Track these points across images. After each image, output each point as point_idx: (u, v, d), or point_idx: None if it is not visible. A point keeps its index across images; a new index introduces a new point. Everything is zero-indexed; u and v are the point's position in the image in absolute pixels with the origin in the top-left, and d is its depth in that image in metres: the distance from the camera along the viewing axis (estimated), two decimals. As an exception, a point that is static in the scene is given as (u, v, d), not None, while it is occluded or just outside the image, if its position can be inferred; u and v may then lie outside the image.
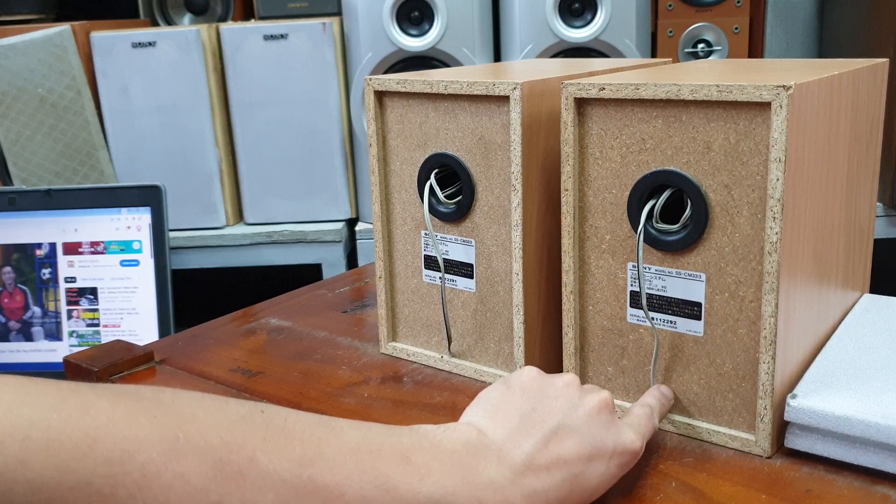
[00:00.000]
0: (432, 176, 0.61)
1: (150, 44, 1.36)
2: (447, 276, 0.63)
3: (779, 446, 0.51)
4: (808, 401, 0.49)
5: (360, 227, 1.45)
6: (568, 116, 0.53)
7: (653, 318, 0.53)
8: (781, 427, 0.51)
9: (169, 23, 1.60)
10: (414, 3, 1.34)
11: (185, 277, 1.40)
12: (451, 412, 0.58)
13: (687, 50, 1.48)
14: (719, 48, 1.47)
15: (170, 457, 0.35)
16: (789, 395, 0.50)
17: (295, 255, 1.43)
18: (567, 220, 0.55)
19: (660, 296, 0.53)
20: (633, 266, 0.54)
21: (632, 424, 0.48)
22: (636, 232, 0.52)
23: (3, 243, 1.28)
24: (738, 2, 1.45)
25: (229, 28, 1.38)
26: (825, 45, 1.54)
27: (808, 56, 1.56)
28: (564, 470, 0.43)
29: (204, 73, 1.37)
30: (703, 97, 0.48)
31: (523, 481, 0.42)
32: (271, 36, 1.37)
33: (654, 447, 0.53)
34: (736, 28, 1.46)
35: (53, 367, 1.27)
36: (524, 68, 0.67)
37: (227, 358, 0.68)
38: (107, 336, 1.25)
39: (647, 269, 0.53)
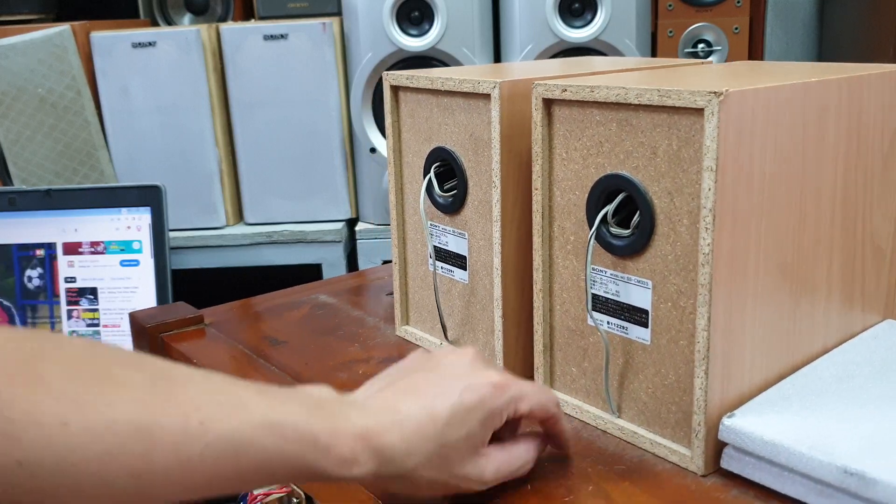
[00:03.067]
0: (432, 169, 0.63)
1: (150, 44, 1.36)
2: (446, 266, 0.65)
3: (716, 466, 0.49)
4: (743, 422, 0.47)
5: (360, 227, 1.45)
6: (537, 116, 0.54)
7: (608, 323, 0.53)
8: (719, 446, 0.49)
9: (169, 23, 1.60)
10: (414, 3, 1.34)
11: (185, 277, 1.40)
12: None
13: (687, 50, 1.48)
14: (719, 48, 1.47)
15: None
16: (727, 414, 0.48)
17: (295, 255, 1.43)
18: (537, 219, 0.56)
19: (614, 300, 0.53)
20: (592, 268, 0.54)
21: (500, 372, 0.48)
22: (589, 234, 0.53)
23: (3, 243, 1.28)
24: (739, 2, 1.45)
25: (229, 28, 1.38)
26: (825, 45, 1.54)
27: (808, 56, 1.56)
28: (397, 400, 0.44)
29: (204, 73, 1.37)
30: (646, 101, 0.48)
31: (357, 412, 0.42)
32: (271, 36, 1.37)
33: (594, 450, 0.53)
34: (736, 28, 1.46)
35: (53, 366, 1.27)
36: (523, 68, 0.68)
37: (265, 327, 0.75)
38: (107, 336, 1.25)
39: (603, 273, 0.53)
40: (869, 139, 0.56)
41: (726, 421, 0.48)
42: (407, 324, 0.71)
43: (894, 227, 0.61)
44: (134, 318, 0.75)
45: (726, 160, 0.46)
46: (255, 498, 0.64)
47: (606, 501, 0.48)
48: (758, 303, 0.50)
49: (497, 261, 0.60)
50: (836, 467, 0.43)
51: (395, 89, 0.66)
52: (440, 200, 0.64)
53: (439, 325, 0.67)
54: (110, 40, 1.37)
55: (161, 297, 1.24)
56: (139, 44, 1.36)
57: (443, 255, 0.65)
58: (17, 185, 1.36)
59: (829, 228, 0.54)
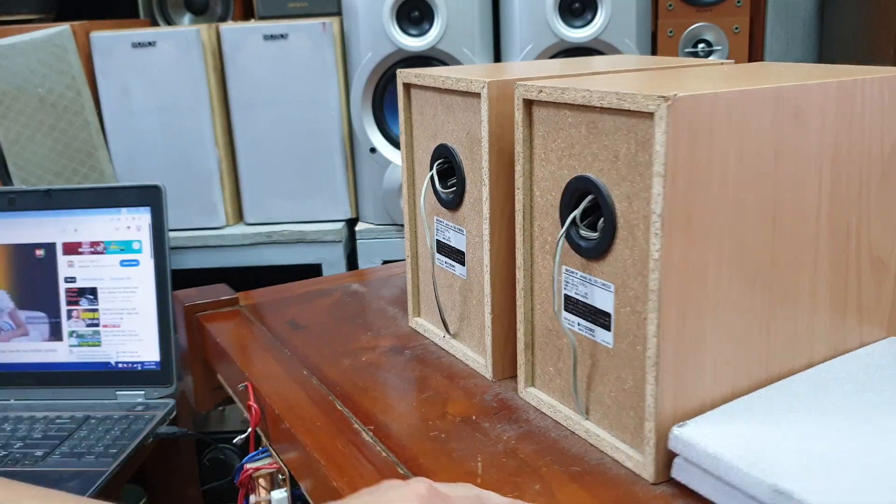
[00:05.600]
0: (435, 165, 0.65)
1: (149, 44, 1.36)
2: (448, 260, 0.67)
3: (668, 475, 0.49)
4: (692, 432, 0.47)
5: (360, 227, 1.44)
6: (519, 116, 0.55)
7: (578, 324, 0.54)
8: (671, 455, 0.49)
9: (169, 23, 1.59)
10: (414, 3, 1.34)
11: (186, 277, 1.40)
12: (416, 386, 0.65)
13: (687, 50, 1.47)
14: (719, 48, 1.47)
15: None
16: (679, 423, 0.48)
17: (295, 255, 1.43)
18: (518, 219, 0.57)
19: (584, 302, 0.53)
20: (565, 269, 0.54)
21: None
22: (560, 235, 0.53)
23: (2, 243, 1.28)
24: (739, 2, 1.45)
25: (229, 28, 1.38)
26: (825, 45, 1.54)
27: (809, 56, 1.56)
28: None
29: (204, 72, 1.37)
30: (607, 104, 0.48)
31: None
32: (271, 36, 1.37)
33: (556, 450, 0.54)
34: (736, 28, 1.46)
35: (53, 367, 1.26)
36: (520, 68, 0.68)
37: (293, 311, 0.81)
38: (107, 336, 1.25)
39: (574, 275, 0.53)
40: (864, 147, 0.54)
41: (676, 430, 0.48)
42: (418, 315, 0.74)
43: None
44: (175, 297, 0.83)
45: (678, 165, 0.45)
46: (248, 472, 0.69)
47: (548, 501, 0.48)
48: (722, 312, 0.49)
49: (486, 258, 0.61)
50: (768, 485, 0.42)
51: (407, 87, 0.68)
52: (443, 196, 0.66)
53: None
54: (110, 40, 1.37)
55: (161, 297, 1.24)
56: (139, 44, 1.36)
57: (445, 249, 0.67)
58: (17, 185, 1.36)
59: (812, 239, 0.53)
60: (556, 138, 0.53)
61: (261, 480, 0.69)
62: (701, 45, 1.47)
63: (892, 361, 0.55)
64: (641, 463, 0.50)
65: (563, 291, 0.54)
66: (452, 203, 0.65)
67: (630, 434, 0.51)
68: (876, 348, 0.57)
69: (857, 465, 0.43)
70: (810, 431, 0.46)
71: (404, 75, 0.68)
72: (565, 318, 0.55)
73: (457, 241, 0.66)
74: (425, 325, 0.73)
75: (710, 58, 1.48)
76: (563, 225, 0.53)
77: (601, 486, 0.49)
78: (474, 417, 0.60)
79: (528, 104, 0.54)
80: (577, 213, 0.51)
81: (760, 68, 0.61)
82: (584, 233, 0.51)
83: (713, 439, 0.46)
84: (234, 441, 0.71)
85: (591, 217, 0.51)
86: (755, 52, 1.54)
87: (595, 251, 0.51)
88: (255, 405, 0.66)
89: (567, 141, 0.52)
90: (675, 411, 0.49)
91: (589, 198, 0.50)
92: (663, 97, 0.44)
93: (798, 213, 0.52)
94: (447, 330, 0.69)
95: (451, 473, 0.53)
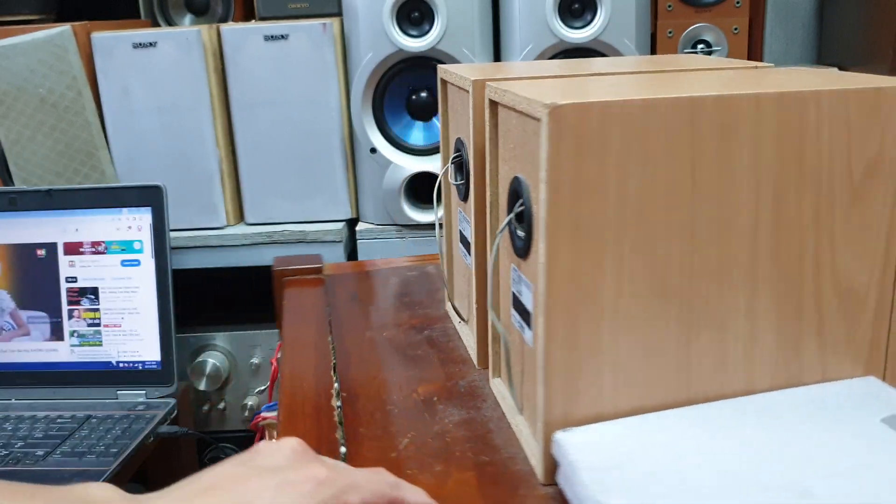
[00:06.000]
0: (451, 158, 0.69)
1: (150, 44, 1.37)
2: (464, 250, 0.71)
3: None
4: (570, 439, 0.47)
5: (360, 227, 1.45)
6: (487, 116, 0.57)
7: (517, 321, 0.55)
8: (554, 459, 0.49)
9: (169, 23, 1.60)
10: (414, 3, 1.34)
11: (186, 277, 1.41)
12: (409, 364, 0.70)
13: (686, 50, 1.48)
14: (719, 49, 1.47)
15: None
16: (563, 429, 0.48)
17: (295, 255, 1.43)
18: (482, 215, 0.60)
19: (518, 300, 0.55)
20: (512, 266, 0.56)
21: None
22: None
23: (3, 243, 1.28)
24: (738, 2, 1.45)
25: (230, 28, 1.38)
26: (825, 45, 1.54)
27: (808, 56, 1.56)
28: None
29: (204, 73, 1.37)
30: (521, 109, 0.49)
31: None
32: (272, 36, 1.37)
33: (482, 441, 0.57)
34: (735, 28, 1.46)
35: (54, 366, 1.27)
36: (519, 68, 0.70)
37: (361, 285, 0.91)
38: (108, 336, 1.26)
39: (516, 272, 0.55)
40: (821, 167, 0.50)
41: (557, 434, 0.48)
42: (452, 300, 0.78)
43: (880, 270, 0.52)
44: (275, 260, 0.96)
45: (562, 172, 0.45)
46: (258, 419, 0.79)
47: (437, 485, 0.51)
48: (624, 323, 0.48)
49: (473, 250, 0.64)
50: (595, 501, 0.42)
51: (444, 83, 0.72)
52: (456, 188, 0.70)
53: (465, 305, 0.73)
54: (111, 41, 1.37)
55: (162, 296, 1.24)
56: (140, 44, 1.37)
57: (462, 238, 0.71)
58: (18, 186, 1.36)
59: (747, 261, 0.50)
60: (507, 139, 0.54)
61: (270, 429, 0.78)
62: (700, 46, 1.47)
63: (840, 402, 0.51)
64: (536, 463, 0.51)
65: (512, 288, 0.56)
66: (462, 195, 0.68)
67: (534, 433, 0.52)
68: (836, 386, 0.53)
69: (705, 501, 0.41)
70: (693, 460, 0.45)
71: (442, 71, 0.71)
72: (513, 315, 0.56)
73: (466, 231, 0.68)
74: (451, 311, 0.77)
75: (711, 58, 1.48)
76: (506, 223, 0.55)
77: (493, 479, 0.51)
78: (435, 399, 0.63)
79: (494, 104, 0.56)
80: (512, 214, 0.52)
81: (718, 75, 0.59)
82: (519, 232, 0.53)
83: (583, 449, 0.46)
84: (257, 391, 0.84)
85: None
86: (754, 53, 1.54)
87: (523, 251, 0.52)
88: (275, 362, 0.77)
89: (513, 142, 0.53)
90: (566, 416, 0.49)
91: (520, 199, 0.52)
92: (545, 105, 0.44)
93: (727, 232, 0.49)
94: (460, 316, 0.74)
95: (377, 443, 0.57)
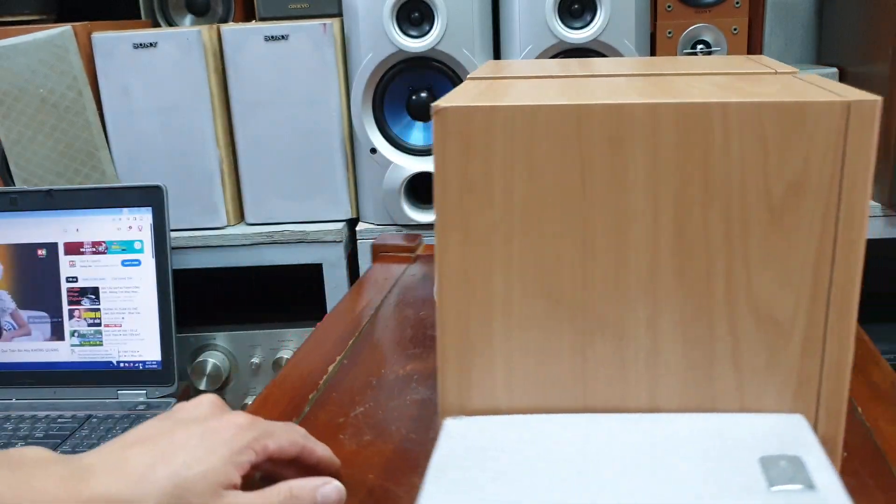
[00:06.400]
0: None
1: (151, 44, 1.37)
2: None
3: None
4: (450, 426, 0.50)
5: (360, 227, 1.45)
6: None
7: None
8: None
9: (170, 23, 1.60)
10: (414, 3, 1.34)
11: (187, 277, 1.41)
12: (420, 344, 0.76)
13: (686, 51, 1.48)
14: (718, 49, 1.47)
15: None
16: (455, 416, 0.51)
17: (295, 255, 1.43)
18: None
19: None
20: None
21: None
22: None
23: (4, 243, 1.28)
24: (737, 2, 1.46)
25: (230, 29, 1.38)
26: (825, 45, 1.54)
27: (808, 56, 1.56)
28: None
29: (205, 73, 1.38)
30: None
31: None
32: (272, 37, 1.37)
33: (418, 418, 0.62)
34: (735, 29, 1.46)
35: (54, 366, 1.27)
36: (518, 67, 0.69)
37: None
38: (108, 336, 1.26)
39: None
40: (731, 185, 0.46)
41: (446, 420, 0.50)
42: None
43: (808, 300, 0.48)
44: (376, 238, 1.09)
45: (449, 173, 0.47)
46: None
47: (353, 452, 0.56)
48: (517, 324, 0.49)
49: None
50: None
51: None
52: None
53: None
54: (111, 41, 1.37)
55: (162, 296, 1.25)
56: (140, 44, 1.37)
57: None
58: (19, 186, 1.36)
59: (646, 274, 0.48)
60: None
61: None
62: (700, 46, 1.47)
63: (739, 434, 0.47)
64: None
65: None
66: None
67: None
68: (750, 419, 0.49)
69: None
70: (539, 469, 0.45)
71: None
72: None
73: None
74: None
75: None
76: None
77: (403, 455, 0.54)
78: (415, 377, 0.68)
79: None
80: None
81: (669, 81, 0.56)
82: None
83: (452, 440, 0.48)
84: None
85: None
86: (754, 53, 1.54)
87: None
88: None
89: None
90: (461, 406, 0.51)
91: None
92: (433, 107, 0.46)
93: (622, 243, 0.48)
94: None
95: (325, 408, 0.64)
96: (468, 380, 0.50)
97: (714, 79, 0.55)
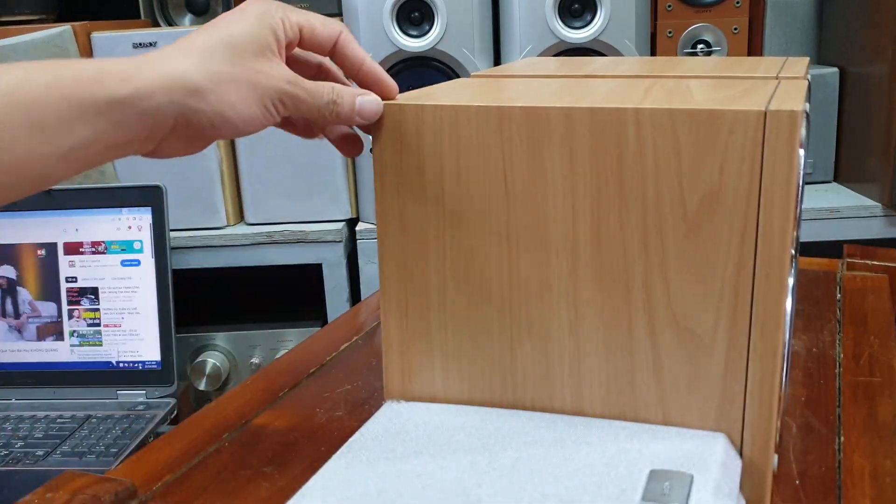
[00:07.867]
0: None
1: (150, 44, 1.37)
2: None
3: None
4: (385, 409, 0.53)
5: (360, 227, 1.45)
6: None
7: None
8: None
9: (170, 23, 1.60)
10: (414, 3, 1.34)
11: (187, 277, 1.41)
12: None
13: (686, 50, 1.48)
14: (718, 48, 1.47)
15: None
16: (395, 399, 0.54)
17: (295, 255, 1.43)
18: None
19: None
20: None
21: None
22: None
23: (4, 243, 1.28)
24: (738, 2, 1.46)
25: (230, 29, 1.38)
26: (825, 45, 1.54)
27: (808, 56, 1.56)
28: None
29: (204, 73, 1.37)
30: None
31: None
32: (272, 36, 1.37)
33: (377, 400, 0.63)
34: (735, 28, 1.46)
35: (54, 366, 1.27)
36: (519, 66, 0.69)
37: None
38: (108, 336, 1.26)
39: None
40: (645, 193, 0.46)
41: (387, 403, 0.54)
42: None
43: (728, 316, 0.46)
44: None
45: (386, 167, 0.50)
46: None
47: (325, 422, 0.60)
48: (451, 316, 0.52)
49: None
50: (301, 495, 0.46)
51: None
52: None
53: None
54: (111, 41, 1.37)
55: (162, 296, 1.25)
56: (140, 44, 1.37)
57: None
58: (19, 186, 1.36)
59: (567, 277, 0.48)
60: None
61: None
62: (700, 46, 1.47)
63: (640, 445, 0.47)
64: None
65: None
66: None
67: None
68: (668, 432, 0.48)
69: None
70: (428, 452, 0.48)
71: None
72: None
73: None
74: None
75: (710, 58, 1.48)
76: None
77: (348, 430, 0.56)
78: None
79: None
80: None
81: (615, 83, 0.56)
82: None
83: (378, 420, 0.51)
84: None
85: None
86: (754, 53, 1.54)
87: None
88: None
89: None
90: (403, 391, 0.54)
91: None
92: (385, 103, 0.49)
93: (543, 245, 0.48)
94: None
95: (324, 380, 0.67)
96: (409, 367, 0.53)
97: (688, 82, 0.53)
